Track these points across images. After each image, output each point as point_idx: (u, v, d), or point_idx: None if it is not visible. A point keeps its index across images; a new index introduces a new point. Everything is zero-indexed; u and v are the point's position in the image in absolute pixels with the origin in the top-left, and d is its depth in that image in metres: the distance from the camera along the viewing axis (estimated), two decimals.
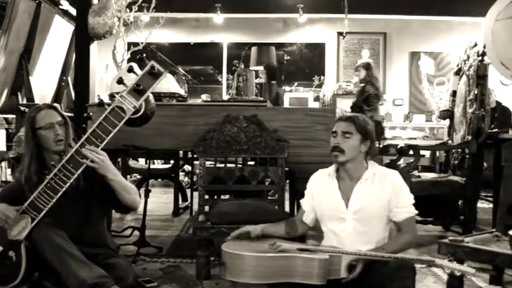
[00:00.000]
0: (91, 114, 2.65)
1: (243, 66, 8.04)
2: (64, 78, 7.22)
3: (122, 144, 3.33)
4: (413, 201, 2.40)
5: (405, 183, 2.44)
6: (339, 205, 2.42)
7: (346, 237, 2.39)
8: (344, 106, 8.34)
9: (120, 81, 2.18)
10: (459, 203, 4.46)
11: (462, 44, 5.15)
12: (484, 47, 4.56)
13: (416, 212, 2.40)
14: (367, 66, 6.62)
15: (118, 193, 2.35)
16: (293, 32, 9.15)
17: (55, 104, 2.69)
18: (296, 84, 9.20)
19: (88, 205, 2.48)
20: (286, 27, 9.13)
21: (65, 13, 6.98)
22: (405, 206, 2.38)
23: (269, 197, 4.38)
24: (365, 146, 2.41)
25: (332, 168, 2.50)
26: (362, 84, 6.63)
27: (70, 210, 2.40)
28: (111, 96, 3.53)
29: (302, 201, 2.63)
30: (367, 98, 6.41)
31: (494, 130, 4.89)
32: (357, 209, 2.38)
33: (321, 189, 2.52)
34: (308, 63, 9.62)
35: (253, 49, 7.21)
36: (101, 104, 2.28)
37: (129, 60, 5.73)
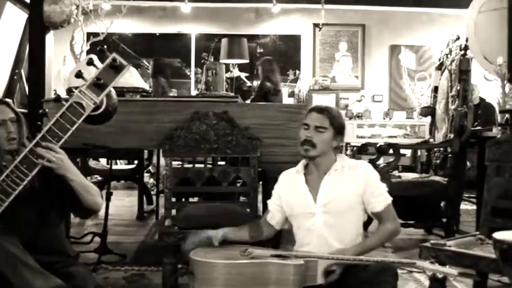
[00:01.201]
0: (47, 110, 2.60)
1: (212, 60, 8.01)
2: (17, 71, 7.08)
3: (81, 143, 3.29)
4: (386, 188, 2.46)
5: (376, 171, 2.52)
6: (307, 200, 2.45)
7: (317, 232, 2.42)
8: (321, 103, 8.39)
9: (78, 74, 2.15)
10: (441, 204, 4.53)
11: (444, 37, 5.24)
12: (467, 40, 4.65)
13: (391, 198, 2.45)
14: (263, 62, 6.71)
15: (79, 194, 2.32)
16: (266, 23, 9.17)
17: (7, 100, 2.63)
18: None
19: (44, 208, 2.44)
20: (258, 17, 9.14)
21: (18, 0, 6.86)
22: (381, 194, 2.44)
23: (241, 200, 4.37)
24: (336, 141, 2.46)
25: (300, 165, 2.55)
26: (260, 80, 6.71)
27: (24, 214, 2.36)
28: (69, 91, 3.49)
29: (269, 201, 2.66)
30: (266, 94, 6.46)
31: (478, 128, 4.99)
32: (326, 202, 2.42)
33: (288, 188, 2.56)
34: (282, 57, 9.62)
35: (224, 41, 7.18)
36: (57, 99, 2.24)
37: (88, 52, 5.67)
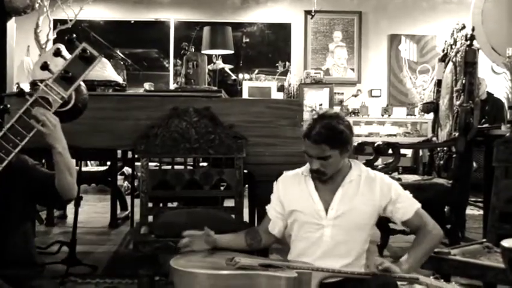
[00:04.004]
0: (8, 106, 2.59)
1: (193, 50, 7.99)
2: None
3: (47, 142, 3.27)
4: (411, 194, 2.47)
5: (394, 180, 2.53)
6: (318, 209, 2.44)
7: (322, 246, 2.41)
8: (313, 98, 8.42)
9: (44, 66, 2.14)
10: (445, 209, 4.56)
11: (449, 26, 5.26)
12: (473, 29, 4.67)
13: (419, 203, 2.47)
14: None
15: (60, 172, 2.30)
16: (253, 10, 9.17)
17: None
18: (257, 71, 9.18)
19: (7, 207, 2.42)
20: (244, 4, 9.14)
21: None
22: (406, 200, 2.45)
23: (225, 205, 4.37)
24: (347, 152, 2.43)
25: (306, 167, 2.52)
26: None
27: None
28: (34, 85, 3.45)
29: (268, 208, 2.63)
30: None
31: (485, 125, 5.03)
32: (339, 214, 2.41)
33: (292, 192, 2.53)
34: (271, 47, 9.63)
35: (206, 30, 7.17)
36: (20, 93, 2.23)
37: (55, 42, 5.63)
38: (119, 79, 3.89)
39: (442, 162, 4.84)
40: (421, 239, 2.40)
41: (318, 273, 2.21)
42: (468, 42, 4.55)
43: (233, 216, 3.30)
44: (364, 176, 2.47)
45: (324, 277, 2.22)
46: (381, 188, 2.44)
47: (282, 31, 9.49)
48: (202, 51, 6.80)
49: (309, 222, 2.45)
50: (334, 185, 2.45)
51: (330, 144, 2.35)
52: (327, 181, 2.46)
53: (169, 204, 4.50)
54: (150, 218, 3.36)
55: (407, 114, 8.71)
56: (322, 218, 2.42)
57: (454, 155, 4.52)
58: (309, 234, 2.45)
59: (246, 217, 3.72)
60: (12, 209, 2.41)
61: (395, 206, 2.43)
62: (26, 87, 3.50)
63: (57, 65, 2.15)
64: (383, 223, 4.16)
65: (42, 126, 2.13)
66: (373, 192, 2.44)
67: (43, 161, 4.19)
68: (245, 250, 2.54)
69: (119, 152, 5.84)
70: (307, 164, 2.50)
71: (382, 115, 8.64)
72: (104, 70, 3.79)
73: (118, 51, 9.40)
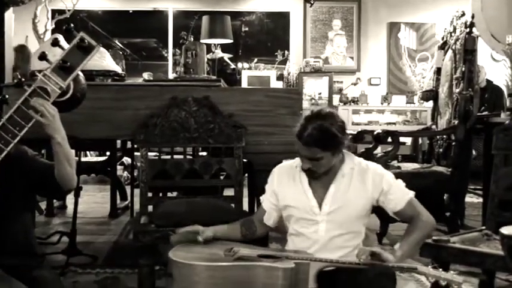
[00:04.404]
0: (7, 96, 2.59)
1: (192, 39, 7.97)
2: None
3: (46, 132, 3.27)
4: (403, 183, 2.47)
5: (387, 170, 2.52)
6: (311, 205, 2.44)
7: (318, 241, 2.41)
8: (313, 87, 8.41)
9: (42, 56, 2.13)
10: (444, 197, 4.57)
11: (448, 14, 5.25)
12: (473, 17, 4.66)
13: (413, 192, 2.46)
14: None
15: (59, 162, 2.30)
16: None
17: None
18: (256, 60, 9.17)
19: (6, 197, 2.42)
20: None
21: None
22: (398, 191, 2.45)
23: (224, 194, 4.38)
24: (338, 154, 2.41)
25: (299, 159, 2.51)
26: None
27: None
28: (32, 75, 3.45)
29: (262, 198, 2.64)
30: None
31: (485, 113, 5.03)
32: (332, 210, 2.41)
33: (286, 185, 2.53)
34: (270, 36, 9.62)
35: (204, 19, 7.16)
36: (19, 84, 2.22)
37: (53, 32, 5.62)
38: (118, 69, 3.88)
39: (441, 150, 4.85)
40: (414, 227, 2.39)
41: (316, 264, 2.22)
42: (468, 30, 4.55)
43: (233, 205, 3.31)
44: (357, 169, 2.47)
45: (322, 267, 2.23)
46: (373, 179, 2.44)
47: (281, 20, 9.46)
48: (201, 41, 6.80)
49: (304, 218, 2.45)
50: (327, 180, 2.44)
51: (321, 147, 2.32)
52: (319, 177, 2.45)
53: (169, 194, 4.51)
54: (150, 208, 3.37)
55: (407, 103, 8.71)
56: (316, 214, 2.42)
57: (454, 143, 4.53)
58: (304, 229, 2.45)
59: (245, 206, 3.72)
60: (12, 199, 2.41)
61: (387, 197, 2.42)
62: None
63: (55, 55, 2.15)
64: (382, 211, 4.18)
65: (41, 116, 2.12)
66: (366, 185, 2.43)
67: (43, 151, 4.19)
68: (240, 240, 2.54)
69: (118, 142, 5.84)
70: None
71: (382, 103, 8.64)
72: (103, 60, 3.78)
73: (117, 41, 9.39)
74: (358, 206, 2.43)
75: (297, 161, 2.53)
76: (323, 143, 2.32)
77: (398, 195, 2.43)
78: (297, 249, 2.43)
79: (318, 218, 2.42)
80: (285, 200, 2.52)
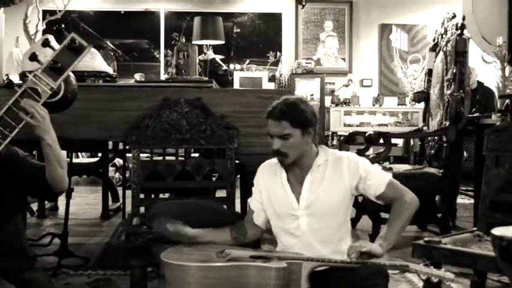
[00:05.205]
0: None
1: (184, 40, 7.98)
2: None
3: (36, 133, 3.25)
4: (380, 167, 2.47)
5: (361, 157, 2.53)
6: (290, 200, 2.45)
7: (301, 236, 2.42)
8: (305, 88, 8.42)
9: (33, 57, 2.12)
10: (436, 198, 4.58)
11: (439, 16, 5.28)
12: (464, 18, 4.68)
13: (390, 174, 2.47)
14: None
15: (50, 164, 2.29)
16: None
17: None
18: (248, 61, 9.19)
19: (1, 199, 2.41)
20: None
21: None
22: (376, 175, 2.45)
23: (216, 195, 4.38)
24: (309, 135, 2.41)
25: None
26: None
27: None
28: (23, 76, 3.44)
29: (250, 200, 2.65)
30: None
31: (476, 115, 5.04)
32: (309, 203, 2.42)
33: (269, 183, 2.55)
34: (262, 37, 9.62)
35: (196, 20, 7.15)
36: (9, 85, 2.21)
37: (44, 32, 5.59)
38: (109, 70, 3.86)
39: (433, 151, 4.87)
40: (396, 211, 2.39)
41: (308, 263, 2.22)
42: (459, 32, 4.57)
43: (225, 206, 3.30)
44: (331, 159, 2.46)
45: (315, 267, 2.23)
46: (349, 167, 2.43)
47: (273, 21, 9.47)
48: (193, 42, 6.80)
49: (285, 213, 2.46)
50: (303, 174, 2.45)
51: (290, 121, 2.34)
52: (294, 169, 2.46)
53: (161, 195, 4.51)
54: (142, 209, 3.36)
55: (398, 104, 8.73)
56: (295, 209, 2.43)
57: (445, 144, 4.54)
58: (286, 225, 2.46)
59: (238, 207, 3.72)
60: (3, 200, 2.40)
61: (366, 183, 2.42)
62: (16, 79, 3.47)
63: (46, 55, 2.14)
64: (374, 212, 4.19)
65: (31, 118, 2.11)
66: (342, 173, 2.43)
67: (34, 152, 4.17)
68: (232, 244, 2.54)
69: (110, 143, 5.83)
70: None
71: (373, 105, 8.66)
72: (94, 61, 3.77)
73: (108, 42, 9.36)
74: (335, 196, 2.42)
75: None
76: (292, 117, 2.35)
77: (377, 179, 2.43)
78: (286, 248, 2.44)
79: (298, 212, 2.43)
80: (268, 198, 2.53)
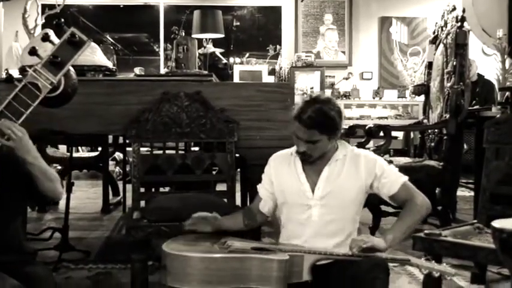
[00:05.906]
0: None
1: (183, 34, 7.95)
2: None
3: (37, 128, 3.25)
4: (396, 168, 2.49)
5: (378, 156, 2.55)
6: (304, 189, 2.47)
7: (311, 226, 2.44)
8: (305, 81, 8.41)
9: (33, 51, 2.13)
10: (436, 191, 4.58)
11: (439, 8, 5.26)
12: (464, 11, 4.67)
13: (406, 176, 2.48)
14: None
15: (37, 180, 2.29)
16: None
17: None
18: (247, 55, 9.18)
19: (1, 198, 2.41)
20: None
21: None
22: (392, 174, 2.47)
23: (217, 189, 4.38)
24: (334, 139, 2.45)
25: (295, 147, 2.53)
26: None
27: None
28: (23, 71, 3.44)
29: (259, 186, 2.67)
30: None
31: (476, 107, 5.04)
32: (324, 194, 2.44)
33: (282, 173, 2.56)
34: (261, 31, 9.60)
35: (196, 13, 7.13)
36: (9, 79, 2.21)
37: (43, 27, 5.58)
38: (109, 64, 3.86)
39: (433, 144, 4.86)
40: (406, 212, 2.42)
41: (310, 256, 2.23)
42: (459, 24, 4.55)
43: (225, 200, 3.31)
44: (350, 155, 2.50)
45: (316, 259, 2.23)
46: (366, 165, 2.46)
47: (272, 14, 9.45)
48: (193, 35, 6.78)
49: (297, 203, 2.48)
50: (320, 165, 2.47)
51: (320, 129, 2.37)
52: (313, 162, 2.48)
53: (161, 189, 4.51)
54: (142, 203, 3.36)
55: (399, 97, 8.72)
56: (309, 199, 2.45)
57: (445, 137, 4.54)
58: (297, 215, 2.48)
59: (238, 201, 3.73)
60: (3, 200, 2.41)
61: (381, 181, 2.45)
62: (15, 73, 3.47)
63: (46, 50, 2.14)
64: (374, 205, 4.19)
65: (7, 140, 2.11)
66: (359, 170, 2.46)
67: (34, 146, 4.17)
68: (243, 230, 2.58)
69: (110, 137, 5.83)
70: None
71: (373, 98, 8.65)
72: (94, 55, 3.76)
73: (108, 36, 9.33)
74: (350, 191, 2.45)
75: (292, 149, 2.56)
76: (322, 125, 2.36)
77: (392, 179, 2.45)
78: (291, 237, 2.45)
79: (311, 202, 2.45)
80: (280, 186, 2.55)
